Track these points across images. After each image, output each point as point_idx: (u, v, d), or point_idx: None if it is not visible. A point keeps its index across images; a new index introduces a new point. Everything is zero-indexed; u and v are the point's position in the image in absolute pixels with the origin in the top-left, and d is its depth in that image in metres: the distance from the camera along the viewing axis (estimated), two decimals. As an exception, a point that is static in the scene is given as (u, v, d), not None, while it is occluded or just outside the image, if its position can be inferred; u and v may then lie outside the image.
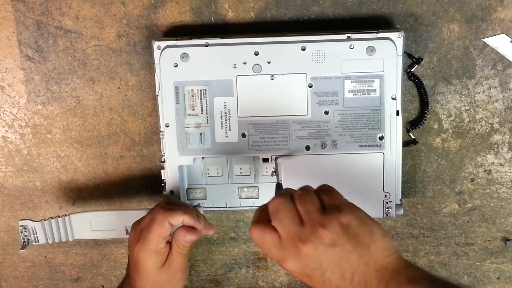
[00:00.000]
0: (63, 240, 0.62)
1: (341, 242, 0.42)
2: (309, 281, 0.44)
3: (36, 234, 0.62)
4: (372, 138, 0.60)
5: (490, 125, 0.64)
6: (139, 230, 0.56)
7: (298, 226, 0.44)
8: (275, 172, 0.59)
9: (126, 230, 0.61)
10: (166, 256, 0.55)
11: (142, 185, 0.68)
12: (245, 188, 0.63)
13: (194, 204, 0.62)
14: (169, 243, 0.56)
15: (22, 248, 0.62)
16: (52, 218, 0.62)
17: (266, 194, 0.62)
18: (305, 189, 0.47)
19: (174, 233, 0.55)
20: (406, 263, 0.43)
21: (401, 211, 0.61)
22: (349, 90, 0.59)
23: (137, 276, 0.56)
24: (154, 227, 0.54)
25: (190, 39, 0.59)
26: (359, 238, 0.43)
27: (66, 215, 0.62)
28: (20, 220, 0.62)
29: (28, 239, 0.62)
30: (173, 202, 0.57)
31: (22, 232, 0.62)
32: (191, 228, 0.54)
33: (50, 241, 0.62)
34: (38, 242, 0.62)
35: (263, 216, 0.46)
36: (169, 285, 0.57)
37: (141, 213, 0.58)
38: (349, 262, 0.42)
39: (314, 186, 0.61)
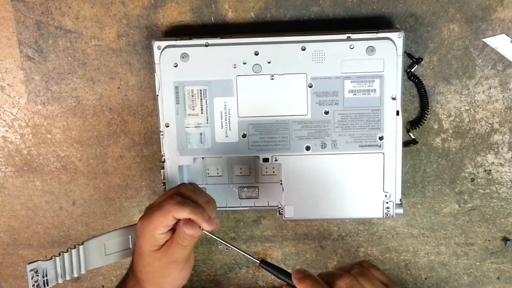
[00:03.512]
0: (75, 275, 0.55)
1: None
2: None
3: (47, 276, 0.52)
4: (372, 138, 0.60)
5: (490, 125, 0.64)
6: (149, 207, 0.55)
7: None
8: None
9: None
10: (164, 242, 0.54)
11: (142, 185, 0.68)
12: (245, 188, 0.63)
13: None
14: (172, 230, 0.54)
15: None
16: (64, 252, 0.54)
17: (266, 194, 0.62)
18: (361, 267, 0.50)
19: (179, 222, 0.53)
20: None
21: (401, 211, 0.61)
22: (349, 90, 0.59)
23: (135, 251, 0.56)
24: (157, 214, 0.52)
25: (190, 39, 0.59)
26: None
27: (79, 245, 0.55)
28: (29, 263, 0.51)
29: (39, 285, 0.52)
30: (192, 191, 0.55)
31: (32, 278, 0.51)
32: (194, 223, 0.52)
33: (61, 281, 0.54)
34: (48, 285, 0.53)
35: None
36: (161, 273, 0.55)
37: None
38: None
39: (314, 186, 0.61)
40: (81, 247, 0.55)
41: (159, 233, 0.53)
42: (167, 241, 0.54)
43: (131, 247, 0.58)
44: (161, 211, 0.52)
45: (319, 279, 0.47)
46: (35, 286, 0.52)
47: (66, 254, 0.54)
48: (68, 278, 0.54)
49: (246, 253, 0.53)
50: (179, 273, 0.56)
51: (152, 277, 0.56)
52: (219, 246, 0.55)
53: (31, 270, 0.51)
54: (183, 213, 0.52)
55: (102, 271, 0.72)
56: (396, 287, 0.48)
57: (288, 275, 0.50)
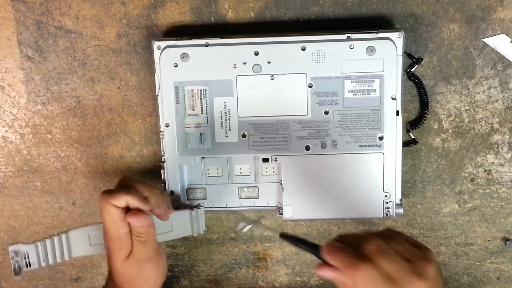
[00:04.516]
0: (59, 261, 0.56)
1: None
2: None
3: (29, 258, 0.55)
4: (372, 138, 0.60)
5: (490, 125, 0.64)
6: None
7: (408, 263, 0.44)
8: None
9: None
10: (130, 242, 0.53)
11: (142, 185, 0.68)
12: (245, 188, 0.63)
13: (194, 204, 0.62)
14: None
15: (16, 275, 0.56)
16: (47, 238, 0.56)
17: (266, 194, 0.62)
18: (388, 231, 0.48)
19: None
20: None
21: (401, 211, 0.61)
22: (349, 90, 0.59)
23: (111, 269, 0.56)
24: (103, 214, 0.52)
25: (190, 39, 0.59)
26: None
27: (62, 233, 0.56)
28: (10, 245, 0.55)
29: (20, 266, 0.55)
30: (126, 182, 0.55)
31: (13, 258, 0.55)
32: (138, 212, 0.51)
33: (44, 265, 0.56)
34: (30, 267, 0.56)
35: (349, 255, 0.44)
36: (140, 279, 0.55)
37: None
38: None
39: (314, 186, 0.61)
40: (63, 235, 0.56)
41: (121, 231, 0.52)
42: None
43: None
44: (102, 209, 0.52)
45: (349, 250, 0.44)
46: (16, 266, 0.55)
47: (48, 240, 0.56)
48: (51, 263, 0.56)
49: (268, 228, 0.55)
50: (157, 271, 0.56)
51: (134, 287, 0.56)
52: (239, 229, 0.56)
53: (11, 251, 0.55)
54: (118, 197, 0.51)
55: (102, 271, 0.72)
56: (427, 249, 0.45)
57: (312, 246, 0.47)
